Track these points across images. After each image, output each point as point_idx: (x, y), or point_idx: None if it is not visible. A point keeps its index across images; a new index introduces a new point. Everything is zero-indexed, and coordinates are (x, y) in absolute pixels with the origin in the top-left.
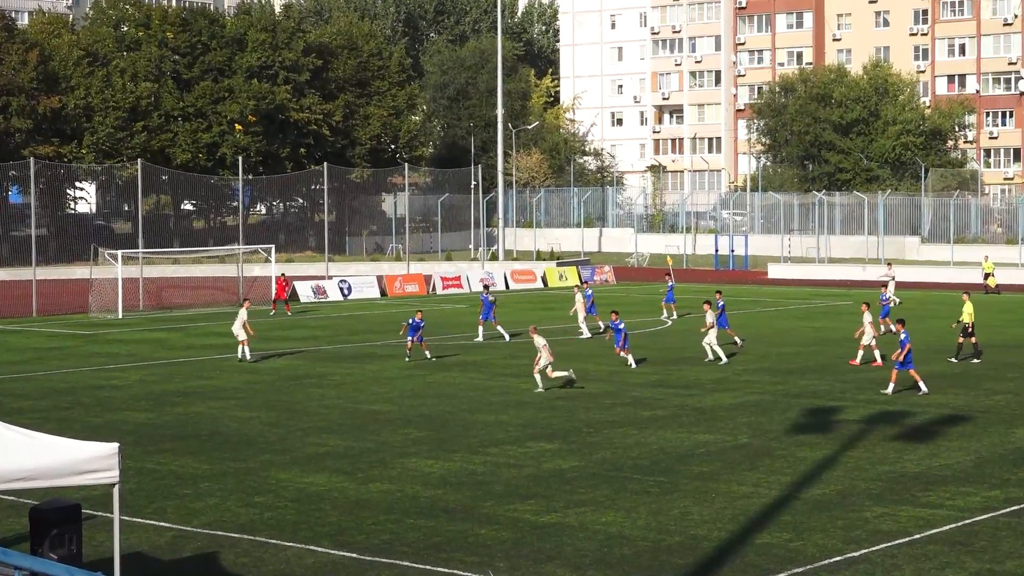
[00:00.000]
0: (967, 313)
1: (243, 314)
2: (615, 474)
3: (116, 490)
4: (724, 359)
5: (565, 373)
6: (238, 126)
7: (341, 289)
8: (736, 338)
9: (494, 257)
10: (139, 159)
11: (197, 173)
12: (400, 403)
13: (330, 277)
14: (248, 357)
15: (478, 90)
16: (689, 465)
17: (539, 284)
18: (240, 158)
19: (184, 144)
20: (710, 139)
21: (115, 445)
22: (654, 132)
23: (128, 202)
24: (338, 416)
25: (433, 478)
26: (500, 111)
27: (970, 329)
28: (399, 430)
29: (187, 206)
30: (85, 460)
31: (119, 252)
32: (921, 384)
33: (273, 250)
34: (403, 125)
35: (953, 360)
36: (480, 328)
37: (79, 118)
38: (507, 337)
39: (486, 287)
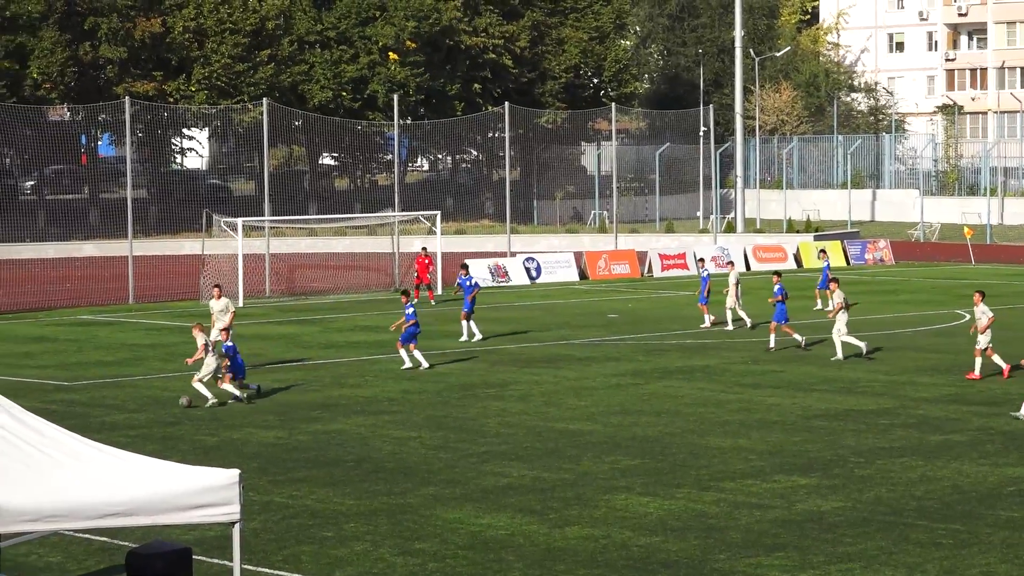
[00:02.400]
0: None
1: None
2: (893, 519)
3: (236, 530)
4: (840, 356)
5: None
6: (393, 55)
7: (527, 270)
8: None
9: (730, 228)
10: (264, 99)
11: (339, 117)
12: (605, 421)
13: (513, 254)
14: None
15: (709, 5)
16: (994, 509)
17: (791, 264)
18: (395, 97)
19: (323, 79)
20: (1023, 69)
21: (235, 472)
22: (947, 60)
23: (250, 155)
24: (524, 437)
25: (649, 521)
26: (738, 33)
27: None
28: (604, 457)
29: (326, 160)
30: (196, 491)
31: (239, 220)
32: None
33: (438, 218)
34: (609, 53)
35: None
36: (706, 316)
37: (188, 46)
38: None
39: (701, 260)
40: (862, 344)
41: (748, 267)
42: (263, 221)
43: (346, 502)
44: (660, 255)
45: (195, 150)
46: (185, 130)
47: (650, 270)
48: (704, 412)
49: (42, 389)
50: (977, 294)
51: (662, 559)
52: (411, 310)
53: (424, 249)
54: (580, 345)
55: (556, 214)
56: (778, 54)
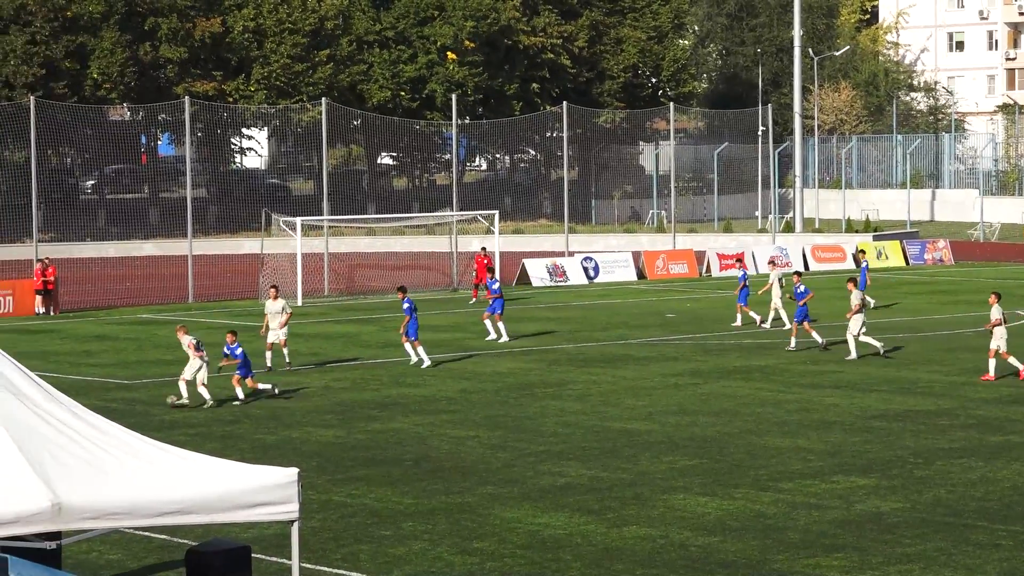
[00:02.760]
0: None
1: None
2: (952, 520)
3: (295, 529)
4: (854, 355)
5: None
6: (451, 55)
7: (585, 269)
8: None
9: (788, 227)
10: (323, 98)
11: (398, 116)
12: (663, 421)
13: (571, 253)
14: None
15: (768, 4)
16: None
17: (849, 264)
18: (454, 97)
19: (381, 79)
20: None
21: (294, 471)
22: (1007, 59)
23: (309, 154)
24: (582, 437)
25: (707, 521)
26: (797, 32)
27: None
28: (662, 457)
29: (385, 159)
30: (255, 489)
31: (298, 220)
32: None
33: (496, 217)
34: (667, 52)
35: None
36: (739, 316)
37: (247, 46)
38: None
39: (741, 261)
40: (879, 344)
41: (807, 267)
42: (322, 220)
43: (404, 501)
44: (718, 255)
45: (254, 149)
46: (244, 130)
47: (708, 270)
48: (762, 412)
49: (103, 387)
50: (993, 295)
51: (720, 559)
52: (406, 305)
53: (483, 249)
54: (638, 345)
55: (614, 213)
56: (837, 53)
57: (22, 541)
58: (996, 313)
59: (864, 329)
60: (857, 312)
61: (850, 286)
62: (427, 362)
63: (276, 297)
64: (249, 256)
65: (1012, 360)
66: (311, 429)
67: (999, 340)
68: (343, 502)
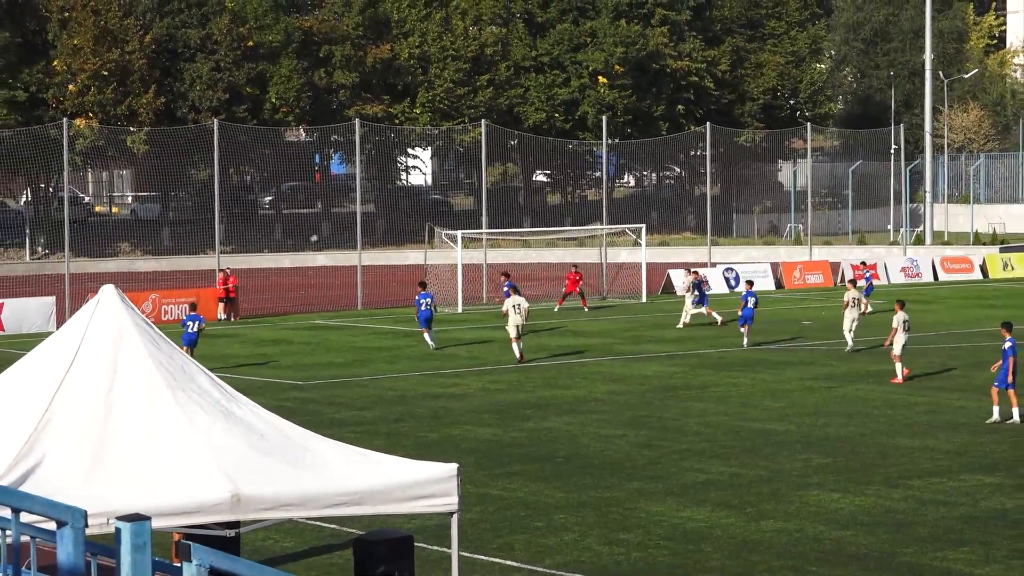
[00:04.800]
0: None
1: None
2: None
3: (454, 520)
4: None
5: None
6: (602, 79)
7: (727, 279)
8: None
9: (919, 240)
10: (483, 120)
11: (552, 137)
12: (799, 421)
13: (713, 264)
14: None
15: (901, 30)
16: None
17: (976, 275)
18: (604, 118)
19: (537, 101)
20: None
21: (454, 466)
22: None
23: (469, 172)
24: (722, 436)
25: (841, 516)
26: (928, 56)
27: None
28: (798, 455)
29: (540, 177)
30: (418, 483)
31: (459, 232)
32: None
33: (643, 231)
34: (805, 75)
35: None
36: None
37: (413, 71)
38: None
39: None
40: (850, 343)
41: (936, 277)
42: (481, 233)
43: (556, 495)
44: (852, 265)
45: (419, 168)
46: (410, 149)
47: (843, 280)
48: (893, 414)
49: (279, 387)
50: (897, 303)
51: (853, 552)
52: (418, 299)
53: (575, 266)
54: (775, 350)
55: (754, 227)
56: (966, 76)
57: (204, 529)
58: (896, 320)
59: (854, 325)
60: (846, 307)
61: (849, 284)
62: (432, 346)
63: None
64: (413, 266)
65: (897, 364)
66: (470, 428)
67: (899, 344)
68: (499, 495)
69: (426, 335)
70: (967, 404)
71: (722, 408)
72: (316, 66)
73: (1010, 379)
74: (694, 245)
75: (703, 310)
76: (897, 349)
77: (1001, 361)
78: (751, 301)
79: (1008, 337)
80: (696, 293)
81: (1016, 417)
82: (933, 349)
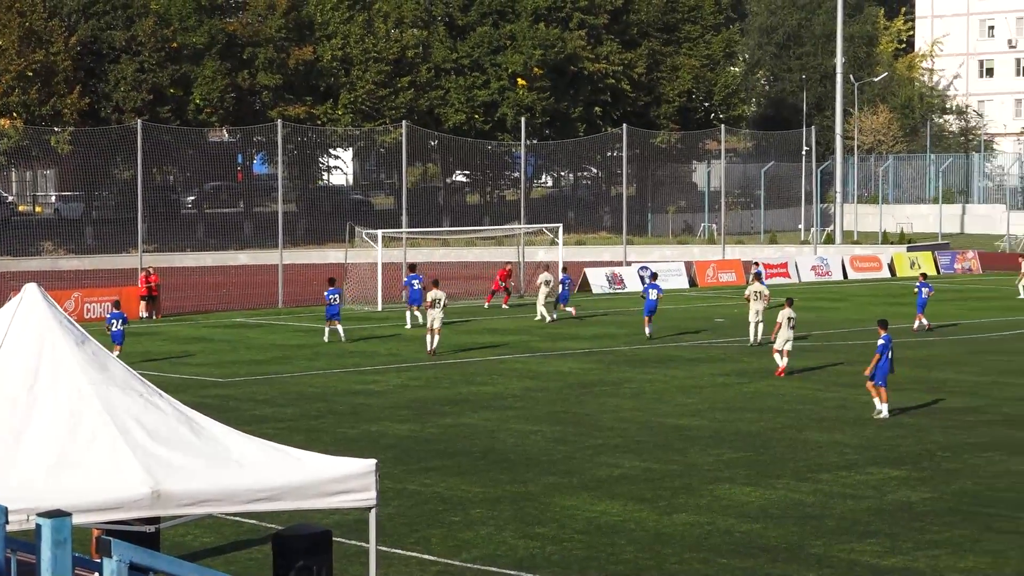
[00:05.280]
0: None
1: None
2: (978, 510)
3: (372, 515)
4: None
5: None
6: (521, 81)
7: (642, 278)
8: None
9: (829, 239)
10: (404, 121)
11: (471, 138)
12: (711, 417)
13: (629, 263)
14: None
15: (812, 34)
16: None
17: (885, 273)
18: (523, 119)
19: (457, 103)
20: None
21: (372, 462)
22: None
23: (390, 172)
24: (636, 432)
25: (751, 509)
26: (839, 60)
27: None
28: (710, 450)
29: (459, 177)
30: (337, 479)
31: (379, 232)
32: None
33: (561, 230)
34: (719, 78)
35: None
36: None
37: (335, 73)
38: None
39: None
40: (752, 337)
41: (845, 275)
42: (401, 232)
43: (473, 490)
44: (765, 264)
45: (340, 168)
46: (331, 150)
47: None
48: (802, 409)
49: (200, 385)
50: (786, 300)
51: (762, 544)
52: (327, 294)
53: (508, 263)
54: (689, 347)
55: (668, 227)
56: (876, 79)
57: (124, 525)
58: (781, 316)
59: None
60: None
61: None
62: (326, 340)
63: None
64: (334, 265)
65: (776, 356)
66: (388, 424)
67: (782, 340)
68: (417, 490)
69: (338, 327)
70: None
71: (636, 404)
72: (239, 68)
73: (869, 371)
74: (610, 244)
75: (566, 308)
76: (779, 344)
77: (878, 357)
78: (653, 293)
79: (883, 334)
80: (561, 289)
81: (885, 412)
82: (842, 346)
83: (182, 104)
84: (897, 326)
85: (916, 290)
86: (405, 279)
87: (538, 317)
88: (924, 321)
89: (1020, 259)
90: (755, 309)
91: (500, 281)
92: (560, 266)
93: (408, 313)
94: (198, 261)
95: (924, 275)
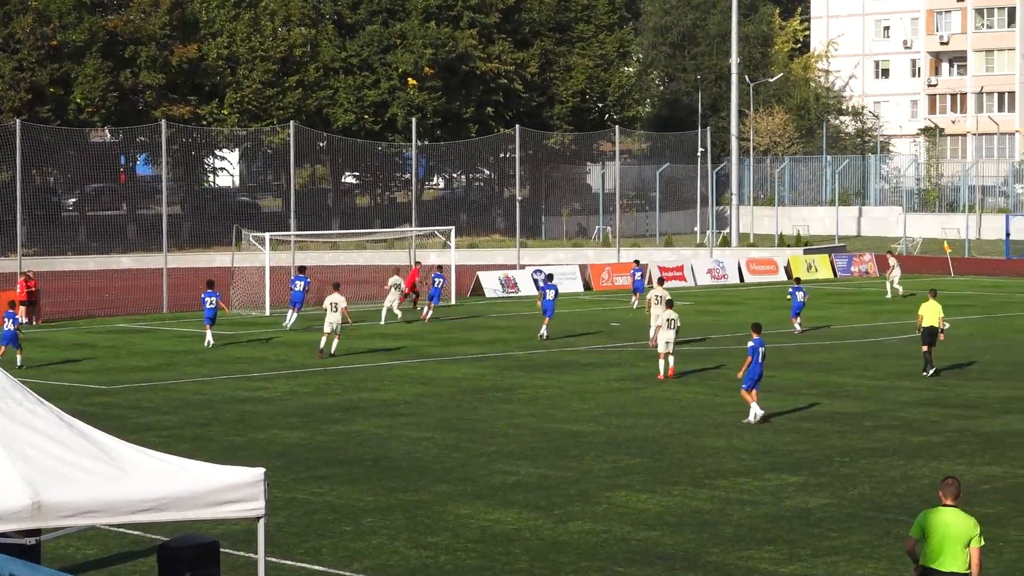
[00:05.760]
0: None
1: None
2: (876, 515)
3: (261, 525)
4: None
5: None
6: (411, 80)
7: (535, 281)
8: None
9: (725, 242)
10: (292, 121)
11: (361, 139)
12: (607, 422)
13: (522, 266)
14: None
15: (708, 34)
16: (970, 506)
17: (781, 276)
18: (414, 120)
19: (346, 103)
20: (1000, 94)
21: (260, 470)
22: (929, 86)
23: (278, 174)
24: (531, 438)
25: (647, 516)
26: (734, 60)
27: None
28: (606, 456)
29: (349, 179)
30: (224, 488)
31: (266, 235)
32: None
33: (453, 233)
34: (613, 79)
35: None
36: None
37: (221, 71)
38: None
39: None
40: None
41: (741, 279)
42: (289, 236)
43: (364, 498)
44: (660, 267)
45: (226, 169)
46: (217, 151)
47: (650, 281)
48: (700, 414)
49: (82, 392)
50: (666, 302)
51: (659, 552)
52: (203, 297)
53: (418, 263)
54: (584, 351)
55: (562, 229)
56: (771, 80)
57: (3, 538)
58: (660, 318)
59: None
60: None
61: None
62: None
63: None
64: (220, 269)
65: (661, 362)
66: (277, 431)
67: (663, 341)
68: (306, 500)
69: (208, 332)
70: (770, 404)
71: (531, 410)
72: (122, 66)
73: (742, 374)
74: (503, 247)
75: (428, 311)
76: (661, 347)
77: (749, 360)
78: (550, 293)
79: (755, 337)
80: (433, 286)
81: (753, 416)
82: (739, 350)
83: (62, 103)
84: (789, 329)
85: (790, 295)
86: (292, 279)
87: (383, 322)
88: (797, 325)
89: (888, 256)
90: (656, 313)
91: (410, 281)
92: (450, 267)
93: (288, 312)
94: (80, 265)
95: (798, 280)
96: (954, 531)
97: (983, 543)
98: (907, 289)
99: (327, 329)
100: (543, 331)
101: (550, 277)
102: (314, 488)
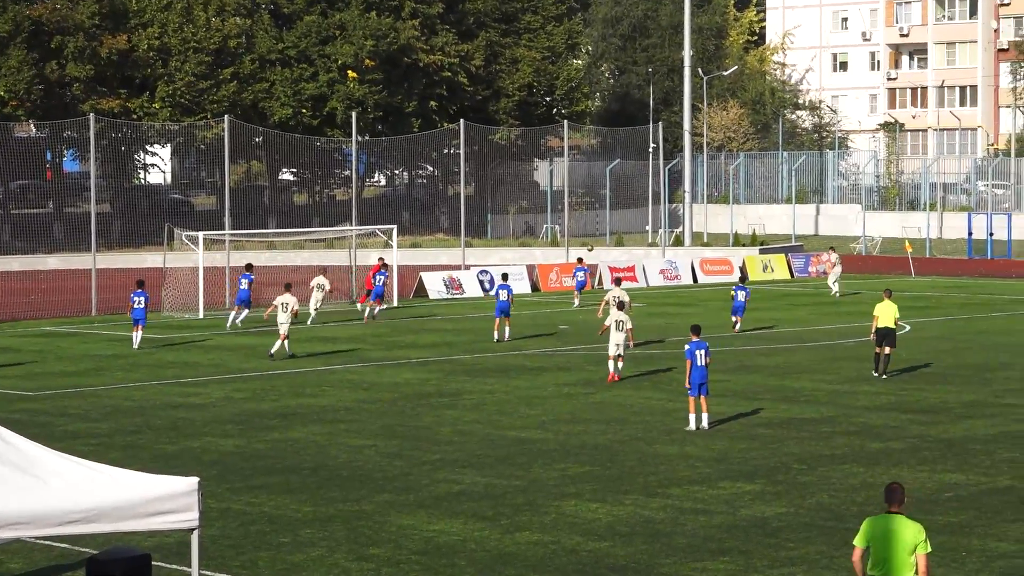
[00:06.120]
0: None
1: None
2: (834, 525)
3: (195, 537)
4: None
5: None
6: (351, 73)
7: (481, 282)
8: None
9: (678, 241)
10: (226, 116)
11: (299, 133)
12: (556, 429)
13: (467, 267)
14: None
15: (659, 26)
16: (933, 515)
17: (736, 276)
18: (354, 114)
19: (283, 96)
20: (962, 88)
21: (194, 480)
22: (888, 79)
23: (212, 170)
24: (476, 445)
25: (598, 526)
26: (687, 52)
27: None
28: (554, 464)
29: (286, 175)
30: (157, 498)
31: (200, 234)
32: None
33: (395, 232)
34: (561, 72)
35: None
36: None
37: (152, 63)
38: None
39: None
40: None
41: (695, 280)
42: (224, 235)
43: (303, 509)
44: (611, 268)
45: (158, 166)
46: (148, 146)
47: (600, 282)
48: (651, 420)
49: (5, 399)
50: (617, 303)
51: (610, 564)
52: (132, 296)
53: (382, 259)
54: (532, 355)
55: (509, 228)
56: (725, 73)
57: None
58: (608, 319)
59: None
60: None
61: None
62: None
63: None
64: (152, 270)
65: (611, 363)
66: (211, 439)
67: (613, 344)
68: (243, 510)
69: (136, 334)
70: (725, 409)
71: (476, 416)
72: (48, 58)
73: (686, 382)
74: (447, 247)
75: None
76: (611, 349)
77: (689, 363)
78: (504, 294)
79: (693, 340)
80: (376, 285)
81: (695, 425)
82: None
83: None
84: (745, 332)
85: (732, 294)
86: (239, 278)
87: (308, 323)
88: (737, 326)
89: (831, 252)
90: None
91: (369, 280)
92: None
93: (232, 313)
94: (4, 265)
95: (742, 279)
96: (900, 538)
97: (930, 549)
98: (845, 290)
99: (283, 332)
100: (496, 334)
101: (504, 277)
102: (250, 498)
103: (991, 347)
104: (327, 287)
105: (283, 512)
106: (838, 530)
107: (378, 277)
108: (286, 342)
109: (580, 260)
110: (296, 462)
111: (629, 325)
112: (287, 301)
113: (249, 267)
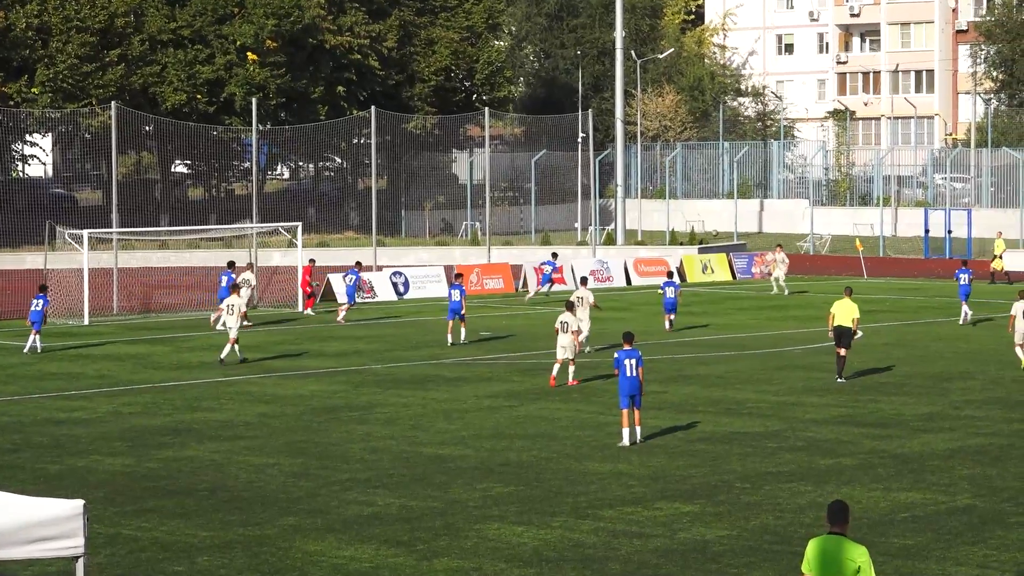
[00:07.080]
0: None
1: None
2: (781, 548)
3: (80, 565)
4: None
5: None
6: (251, 55)
7: (395, 285)
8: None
9: (610, 240)
10: (113, 102)
11: (194, 121)
12: (477, 446)
13: (379, 268)
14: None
15: (588, 4)
16: (887, 536)
17: (674, 277)
18: (254, 100)
19: (176, 81)
20: (918, 72)
21: (79, 503)
22: (838, 63)
23: (97, 162)
24: (390, 464)
25: (524, 551)
26: (619, 34)
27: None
28: (476, 484)
29: (180, 168)
30: (37, 523)
31: (84, 232)
32: None
33: (300, 230)
34: (481, 54)
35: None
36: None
37: (31, 44)
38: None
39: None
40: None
41: (629, 281)
42: (111, 233)
43: (199, 534)
44: (536, 269)
45: (38, 157)
46: (27, 136)
47: (525, 285)
48: (582, 435)
49: None
50: (566, 304)
51: None
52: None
53: (312, 261)
54: (451, 365)
55: (425, 225)
56: (661, 56)
57: None
58: (557, 321)
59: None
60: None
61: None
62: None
63: None
64: (32, 272)
65: (571, 369)
66: (98, 458)
67: (559, 347)
68: (133, 535)
69: (34, 338)
70: (661, 423)
71: (390, 431)
72: None
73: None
74: (358, 246)
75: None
76: (558, 353)
77: (617, 373)
78: (456, 294)
79: (624, 348)
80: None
81: (628, 440)
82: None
83: None
84: (684, 339)
85: (661, 291)
86: (220, 275)
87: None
88: (667, 324)
89: (778, 250)
90: (580, 317)
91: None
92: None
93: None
94: None
95: (670, 273)
96: (840, 562)
97: (873, 574)
98: (793, 289)
99: (232, 336)
100: (450, 337)
101: (458, 277)
102: (141, 522)
103: (949, 355)
104: (253, 282)
105: (177, 538)
106: (784, 554)
107: (349, 276)
108: (236, 346)
109: (555, 255)
110: (192, 483)
111: (575, 328)
112: (234, 303)
113: (231, 265)
